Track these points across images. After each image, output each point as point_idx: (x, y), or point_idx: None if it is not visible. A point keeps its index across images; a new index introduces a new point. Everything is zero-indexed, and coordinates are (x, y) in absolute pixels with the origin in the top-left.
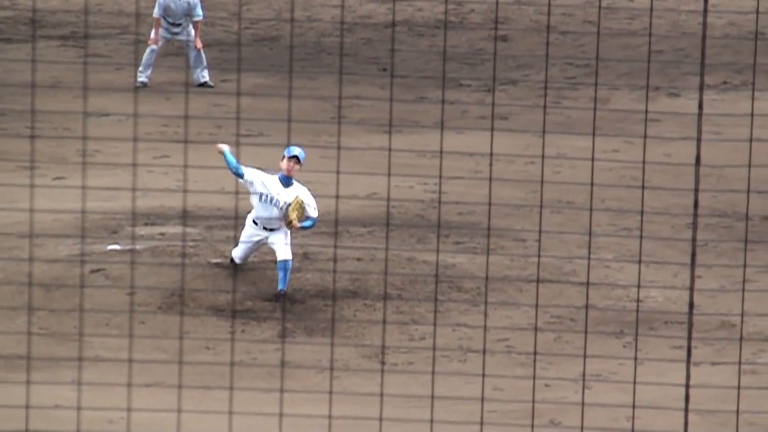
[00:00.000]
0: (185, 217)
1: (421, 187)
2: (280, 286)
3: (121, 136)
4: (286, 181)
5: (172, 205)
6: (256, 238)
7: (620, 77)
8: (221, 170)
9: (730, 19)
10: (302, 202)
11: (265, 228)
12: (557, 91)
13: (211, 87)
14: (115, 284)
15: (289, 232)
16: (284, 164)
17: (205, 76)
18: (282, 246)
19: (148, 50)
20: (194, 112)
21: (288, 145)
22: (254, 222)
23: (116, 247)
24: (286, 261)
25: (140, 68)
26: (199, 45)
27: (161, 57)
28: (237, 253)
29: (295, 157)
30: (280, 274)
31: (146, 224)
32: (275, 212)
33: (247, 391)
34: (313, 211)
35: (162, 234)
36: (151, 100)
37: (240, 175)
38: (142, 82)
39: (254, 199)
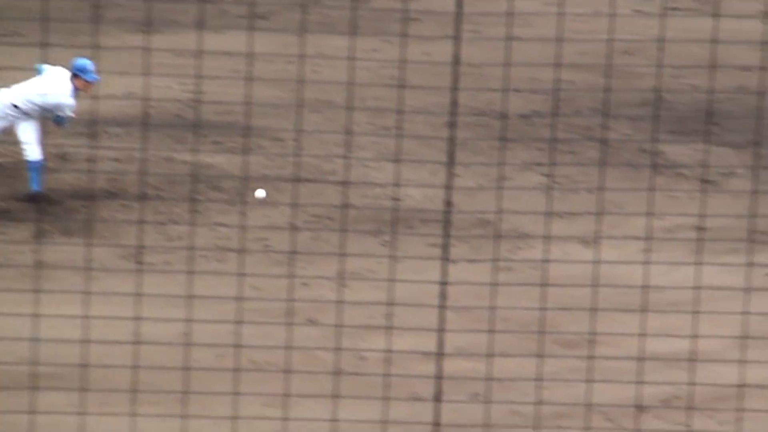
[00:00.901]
0: None
1: (180, 87)
2: (33, 187)
3: None
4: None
5: None
6: (8, 119)
7: None
8: None
9: None
10: None
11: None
12: None
13: None
14: None
15: (39, 129)
16: (82, 85)
17: None
18: (32, 145)
19: None
20: None
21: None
22: (13, 105)
23: None
24: (35, 161)
25: None
26: None
27: None
28: None
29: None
30: (32, 174)
31: None
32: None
33: (1, 292)
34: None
35: None
36: None
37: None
38: None
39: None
